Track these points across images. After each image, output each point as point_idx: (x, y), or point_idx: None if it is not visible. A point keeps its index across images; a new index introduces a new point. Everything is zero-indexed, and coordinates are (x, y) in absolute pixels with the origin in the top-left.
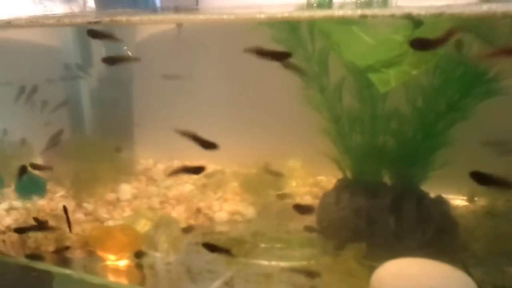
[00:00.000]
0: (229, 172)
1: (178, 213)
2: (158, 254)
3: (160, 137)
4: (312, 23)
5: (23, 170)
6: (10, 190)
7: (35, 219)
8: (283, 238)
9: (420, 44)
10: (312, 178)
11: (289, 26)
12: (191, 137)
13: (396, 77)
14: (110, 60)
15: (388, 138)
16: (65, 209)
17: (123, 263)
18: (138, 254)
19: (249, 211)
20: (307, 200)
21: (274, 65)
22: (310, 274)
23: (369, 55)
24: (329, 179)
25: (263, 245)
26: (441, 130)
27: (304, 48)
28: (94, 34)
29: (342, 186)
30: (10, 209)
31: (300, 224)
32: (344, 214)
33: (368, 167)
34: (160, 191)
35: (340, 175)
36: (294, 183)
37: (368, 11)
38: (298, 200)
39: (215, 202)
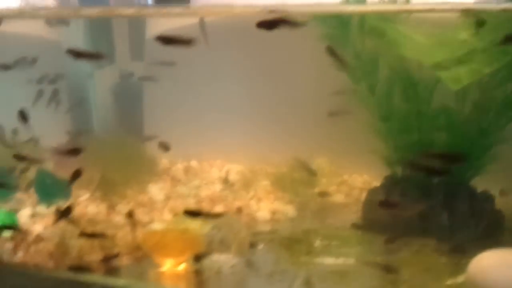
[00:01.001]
0: (258, 171)
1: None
2: (222, 257)
3: (175, 135)
4: (362, 20)
5: (77, 174)
6: (24, 195)
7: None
8: (336, 235)
9: None
10: (338, 177)
11: (339, 22)
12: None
13: (467, 75)
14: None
15: (441, 135)
16: (130, 214)
17: (182, 268)
18: (199, 258)
19: (289, 210)
20: (339, 198)
21: (305, 61)
22: (388, 269)
23: (435, 53)
24: (353, 177)
25: (318, 242)
26: (496, 127)
27: (353, 45)
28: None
29: (391, 183)
30: (34, 215)
31: (342, 221)
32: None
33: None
34: (190, 191)
35: (364, 174)
36: (324, 181)
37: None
38: (333, 198)
39: (252, 201)
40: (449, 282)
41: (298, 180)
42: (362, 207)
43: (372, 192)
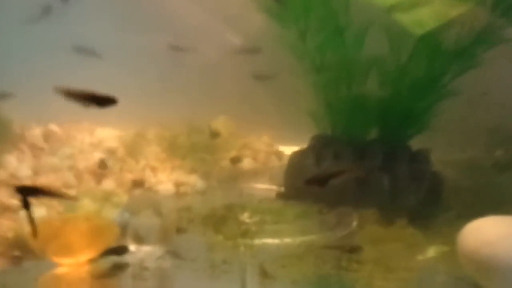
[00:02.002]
0: (144, 135)
1: (110, 188)
2: (143, 249)
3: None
4: None
5: None
6: None
7: None
8: (264, 208)
9: None
10: (239, 139)
11: None
12: (80, 96)
13: (432, 18)
14: None
15: (378, 89)
16: (25, 202)
17: (87, 268)
18: (110, 252)
19: (196, 181)
20: (247, 164)
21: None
22: (352, 249)
23: None
24: (252, 140)
25: (248, 219)
26: (444, 80)
27: None
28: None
29: (321, 144)
30: None
31: (261, 191)
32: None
33: (354, 122)
34: (63, 162)
35: (263, 136)
36: (226, 144)
37: None
38: (241, 164)
39: (147, 173)
40: (420, 257)
41: (197, 144)
42: (285, 173)
43: (297, 155)
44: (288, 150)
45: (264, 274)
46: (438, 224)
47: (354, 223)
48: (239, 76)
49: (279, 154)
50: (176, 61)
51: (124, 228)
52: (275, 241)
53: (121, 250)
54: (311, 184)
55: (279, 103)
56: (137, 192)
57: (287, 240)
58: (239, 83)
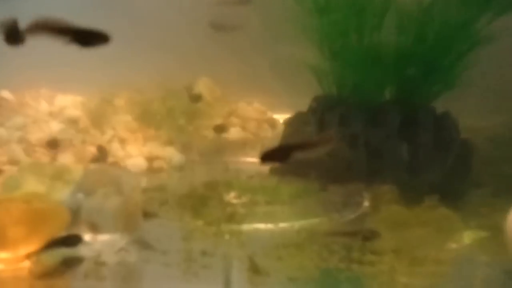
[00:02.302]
0: (112, 102)
1: (62, 164)
2: (101, 238)
3: None
4: None
5: None
6: None
7: None
8: (255, 187)
9: None
10: (225, 105)
11: None
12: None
13: None
14: None
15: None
16: None
17: (28, 263)
18: (59, 243)
19: (173, 154)
20: (235, 134)
21: None
22: (366, 236)
23: None
24: (242, 106)
25: (234, 199)
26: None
27: None
28: None
29: (325, 107)
30: None
31: (251, 167)
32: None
33: (366, 78)
34: (12, 133)
35: (253, 102)
36: (210, 110)
37: None
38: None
39: (113, 145)
40: (453, 244)
41: (175, 110)
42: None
43: (295, 121)
44: (283, 117)
45: (254, 269)
46: (470, 204)
47: (366, 203)
48: (225, 29)
49: (272, 122)
50: (149, 13)
51: (76, 213)
52: (268, 226)
53: (72, 240)
54: (268, 159)
55: (273, 60)
56: (95, 166)
57: (283, 225)
58: (224, 38)
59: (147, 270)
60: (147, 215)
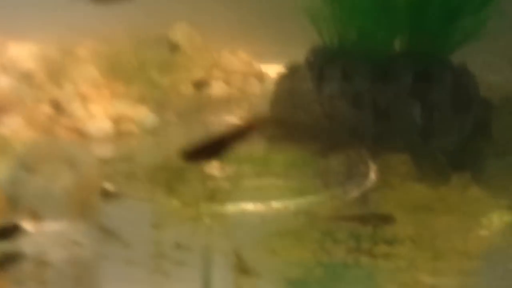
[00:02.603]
0: (73, 52)
1: (15, 128)
2: (47, 227)
3: None
4: None
5: None
6: None
7: None
8: (244, 156)
9: None
10: (209, 55)
11: None
12: None
13: None
14: None
15: None
16: None
17: None
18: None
19: (145, 114)
20: (218, 89)
21: None
22: (378, 220)
23: None
24: (225, 56)
25: (217, 173)
26: None
27: None
28: None
29: (324, 59)
30: None
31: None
32: (336, 105)
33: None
34: None
35: (239, 51)
36: (190, 64)
37: None
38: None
39: (74, 104)
40: (484, 231)
41: (148, 62)
42: (271, 102)
43: (289, 77)
44: (274, 70)
45: (242, 267)
46: (495, 178)
47: (372, 175)
48: None
49: (261, 76)
50: None
51: (15, 196)
52: (259, 207)
53: (8, 231)
54: (194, 158)
55: (262, 2)
56: (41, 137)
57: (277, 205)
58: None
59: (104, 269)
60: (108, 195)
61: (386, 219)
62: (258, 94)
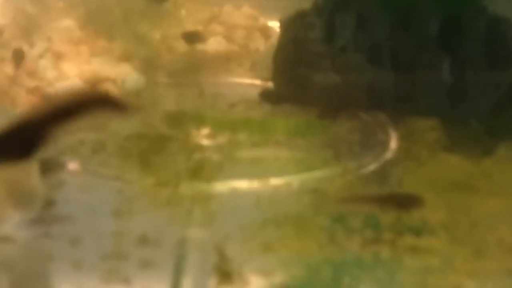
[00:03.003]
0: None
1: None
2: None
3: None
4: None
5: None
6: None
7: None
8: (240, 120)
9: None
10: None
11: None
12: None
13: None
14: None
15: None
16: None
17: None
18: None
19: (128, 74)
20: (215, 44)
21: None
22: (402, 203)
23: None
24: (226, 10)
25: (206, 142)
26: None
27: None
28: None
29: (335, 4)
30: None
31: (239, 89)
32: (349, 59)
33: None
34: None
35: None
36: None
37: None
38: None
39: (42, 62)
40: None
41: (133, 13)
42: (274, 57)
43: (294, 24)
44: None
45: (223, 270)
46: None
47: (393, 144)
48: None
49: (266, 31)
50: None
51: None
52: (254, 184)
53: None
54: None
55: None
56: None
57: (276, 181)
58: None
59: (43, 273)
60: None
61: (412, 201)
62: (262, 50)
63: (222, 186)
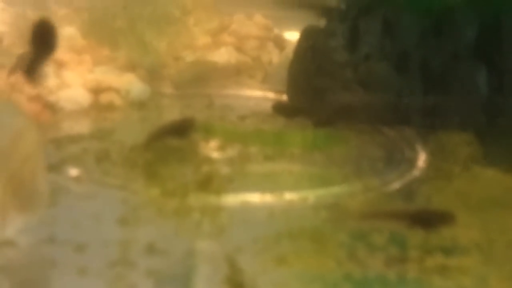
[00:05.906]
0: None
1: None
2: None
3: None
4: None
5: None
6: None
7: None
8: (252, 132)
9: None
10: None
11: None
12: None
13: None
14: None
15: None
16: None
17: None
18: None
19: (132, 84)
20: (224, 55)
21: None
22: (430, 219)
23: None
24: (238, 19)
25: (216, 155)
26: None
27: None
28: None
29: (360, 9)
30: None
31: (251, 101)
32: (373, 68)
33: None
34: None
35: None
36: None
37: None
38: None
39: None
40: None
41: (140, 21)
42: (290, 69)
43: (313, 32)
44: (295, 36)
45: (235, 282)
46: None
47: (421, 161)
48: None
49: (280, 42)
50: None
51: None
52: (267, 198)
53: None
54: None
55: None
56: None
57: (291, 196)
58: None
59: (48, 281)
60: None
61: (442, 218)
62: (275, 62)
63: (232, 199)
